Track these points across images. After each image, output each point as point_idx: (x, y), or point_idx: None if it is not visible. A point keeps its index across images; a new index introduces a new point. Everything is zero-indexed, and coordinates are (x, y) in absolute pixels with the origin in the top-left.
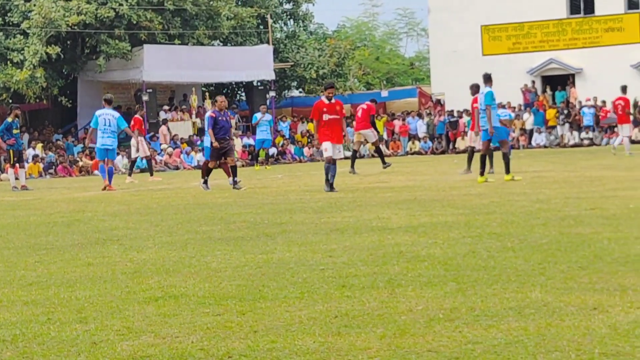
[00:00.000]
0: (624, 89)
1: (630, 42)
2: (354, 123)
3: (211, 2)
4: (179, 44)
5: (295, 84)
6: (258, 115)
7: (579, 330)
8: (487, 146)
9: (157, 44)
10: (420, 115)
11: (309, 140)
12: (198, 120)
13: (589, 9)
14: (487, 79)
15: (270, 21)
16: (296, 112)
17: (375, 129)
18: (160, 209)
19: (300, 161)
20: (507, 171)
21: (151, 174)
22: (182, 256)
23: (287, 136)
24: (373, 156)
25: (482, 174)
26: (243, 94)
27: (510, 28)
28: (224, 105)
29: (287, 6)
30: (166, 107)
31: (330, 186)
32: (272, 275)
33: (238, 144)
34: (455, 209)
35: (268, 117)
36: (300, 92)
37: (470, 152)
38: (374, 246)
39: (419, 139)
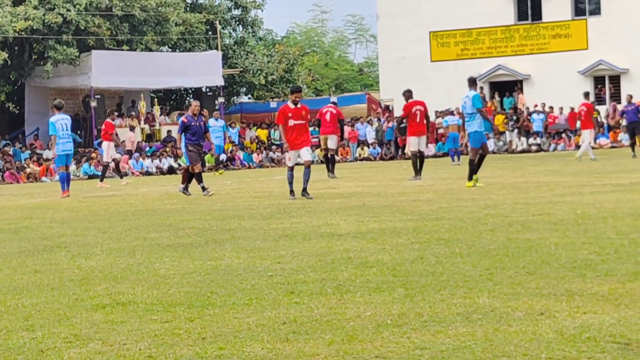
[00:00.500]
0: (586, 94)
1: (577, 49)
2: (320, 127)
3: (160, 8)
4: (128, 50)
5: (244, 90)
6: (211, 121)
7: (527, 336)
8: (476, 152)
9: (105, 49)
10: (369, 121)
11: (258, 146)
12: (147, 127)
13: (537, 15)
14: (473, 82)
15: (219, 27)
16: (245, 118)
17: (342, 133)
18: (108, 215)
19: (249, 167)
20: (470, 178)
21: (101, 180)
22: (130, 263)
23: (236, 142)
24: (321, 162)
25: (469, 178)
26: (192, 100)
27: (458, 34)
28: (197, 110)
29: (236, 12)
30: (115, 114)
31: (304, 191)
32: (221, 282)
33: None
34: (404, 215)
35: (221, 122)
36: (249, 98)
37: (415, 158)
38: (322, 252)
39: (367, 145)
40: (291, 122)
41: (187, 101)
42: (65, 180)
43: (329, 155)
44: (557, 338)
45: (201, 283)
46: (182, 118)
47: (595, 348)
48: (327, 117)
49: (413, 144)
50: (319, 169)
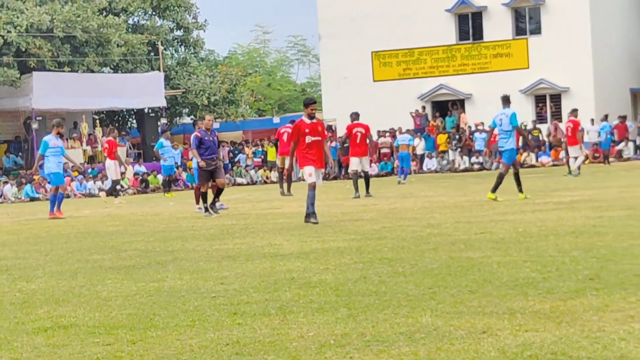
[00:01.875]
0: (573, 111)
1: (518, 68)
2: (278, 147)
3: (101, 29)
4: (69, 71)
5: (186, 110)
6: (164, 141)
7: (469, 354)
8: (508, 168)
9: (46, 71)
10: None
11: None
12: (89, 148)
13: (478, 35)
14: (506, 100)
15: (161, 48)
16: (188, 139)
17: None
18: (50, 237)
19: (192, 188)
20: (494, 190)
21: (115, 196)
22: (72, 285)
23: (180, 163)
24: (273, 182)
25: (493, 190)
26: (134, 121)
27: (400, 54)
28: (210, 125)
29: (178, 33)
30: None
31: (312, 215)
32: (163, 304)
33: (129, 171)
34: (347, 235)
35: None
36: (192, 119)
37: (355, 177)
38: (265, 273)
39: None
40: (308, 139)
41: (129, 122)
42: (57, 200)
43: (287, 175)
44: (499, 356)
45: (144, 305)
46: (196, 133)
47: None
48: (285, 137)
49: (354, 163)
50: (260, 189)
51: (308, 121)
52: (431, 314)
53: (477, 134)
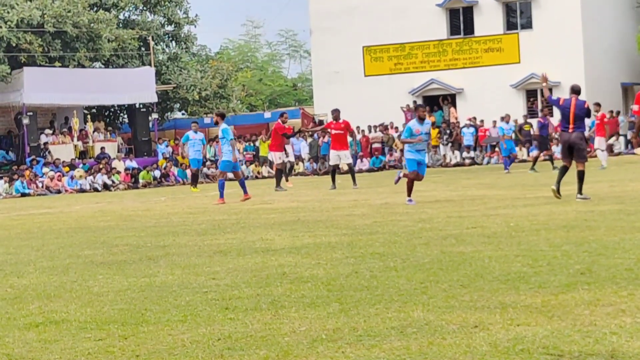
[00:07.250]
0: (596, 105)
1: (509, 63)
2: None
3: (92, 24)
4: (60, 67)
5: (178, 106)
6: (190, 133)
7: (461, 348)
8: None
9: (37, 66)
10: (304, 136)
11: None
12: (80, 144)
13: (469, 29)
14: None
15: (152, 43)
16: (179, 134)
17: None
18: (41, 233)
19: (184, 183)
20: None
21: (286, 179)
22: (64, 281)
23: (170, 158)
24: (264, 177)
25: None
26: (125, 116)
27: (391, 49)
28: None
29: (169, 28)
30: (48, 131)
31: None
32: (155, 299)
33: (121, 166)
34: (339, 230)
35: (200, 135)
36: (183, 114)
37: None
38: (257, 268)
39: (302, 160)
40: None
41: (120, 118)
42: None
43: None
44: (491, 350)
45: (135, 300)
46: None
47: None
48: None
49: (333, 157)
50: (261, 184)
51: None
52: (423, 309)
53: (465, 129)
